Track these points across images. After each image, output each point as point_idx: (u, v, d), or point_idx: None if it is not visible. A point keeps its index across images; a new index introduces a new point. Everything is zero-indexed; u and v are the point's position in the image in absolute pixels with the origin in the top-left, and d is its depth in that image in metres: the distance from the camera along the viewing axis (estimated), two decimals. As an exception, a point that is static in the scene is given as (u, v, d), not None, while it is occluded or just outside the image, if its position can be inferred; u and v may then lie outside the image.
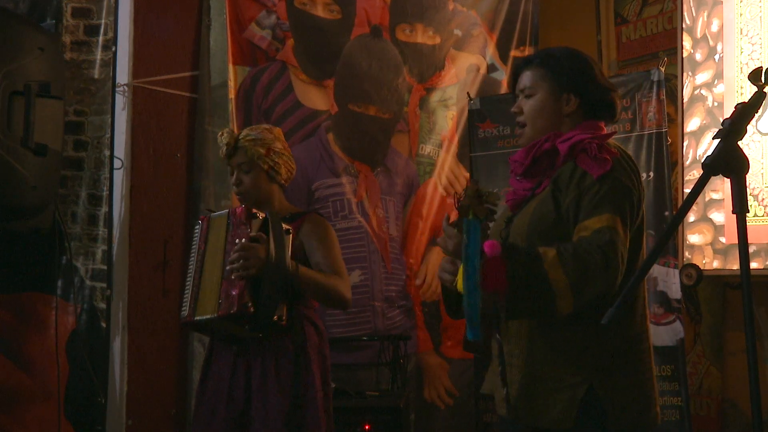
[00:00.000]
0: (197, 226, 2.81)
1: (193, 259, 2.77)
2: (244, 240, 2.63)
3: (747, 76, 1.69)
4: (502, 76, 5.13)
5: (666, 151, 4.12)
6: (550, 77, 2.17)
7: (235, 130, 4.26)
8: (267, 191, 2.88)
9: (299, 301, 2.78)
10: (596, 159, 2.02)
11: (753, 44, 4.26)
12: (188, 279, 2.75)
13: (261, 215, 2.69)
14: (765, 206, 4.12)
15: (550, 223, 2.05)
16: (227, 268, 2.62)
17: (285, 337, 2.73)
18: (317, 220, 2.89)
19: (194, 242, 2.80)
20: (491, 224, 2.01)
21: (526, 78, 2.21)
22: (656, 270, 4.09)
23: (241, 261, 2.60)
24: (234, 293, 2.59)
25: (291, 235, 2.73)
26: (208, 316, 2.65)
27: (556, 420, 2.02)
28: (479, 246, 1.91)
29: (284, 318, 2.65)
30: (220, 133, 2.89)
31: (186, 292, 2.74)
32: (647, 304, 2.16)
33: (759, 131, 4.14)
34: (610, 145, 2.08)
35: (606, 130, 2.19)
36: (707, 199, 4.36)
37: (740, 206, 1.60)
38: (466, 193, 1.94)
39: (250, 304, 2.59)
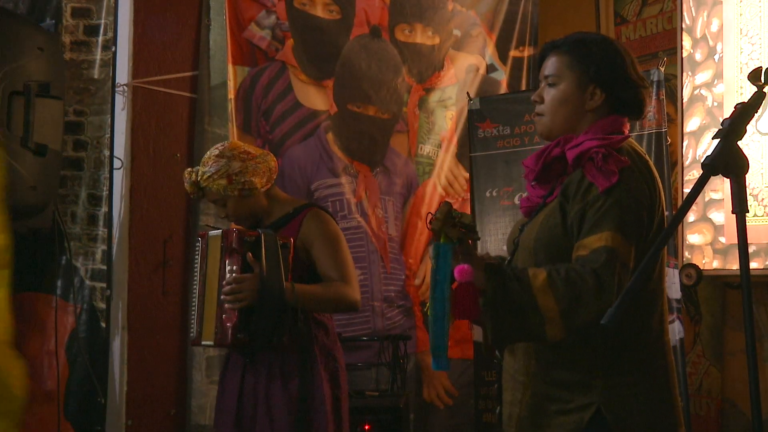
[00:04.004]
0: (198, 243, 2.79)
1: (196, 278, 2.76)
2: (236, 268, 2.62)
3: (747, 76, 1.68)
4: (502, 76, 5.14)
5: (666, 151, 4.12)
6: (577, 67, 2.02)
7: (235, 130, 4.29)
8: (254, 207, 2.82)
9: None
10: (602, 171, 1.90)
11: (753, 44, 4.26)
12: (193, 298, 2.76)
13: (253, 237, 2.64)
14: (765, 206, 4.12)
15: (556, 236, 1.94)
16: (221, 297, 2.62)
17: (291, 343, 2.72)
18: (317, 216, 2.82)
19: (196, 260, 2.78)
20: (475, 242, 1.92)
21: (552, 64, 2.05)
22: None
23: (232, 294, 2.59)
24: (228, 324, 2.60)
25: (290, 249, 2.68)
26: (209, 343, 2.69)
27: None
28: (449, 272, 1.83)
29: (284, 338, 2.65)
30: (185, 176, 2.81)
31: (193, 312, 2.75)
32: (666, 319, 2.03)
33: (759, 131, 4.14)
34: (622, 150, 1.96)
35: (628, 126, 2.06)
36: (707, 199, 4.36)
37: (740, 206, 1.59)
38: (436, 216, 1.86)
39: (241, 336, 2.61)
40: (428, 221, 1.87)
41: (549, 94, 2.05)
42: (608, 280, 1.82)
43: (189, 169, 2.82)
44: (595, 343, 1.92)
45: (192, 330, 2.75)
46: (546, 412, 1.97)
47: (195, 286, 2.76)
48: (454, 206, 1.92)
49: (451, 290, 1.84)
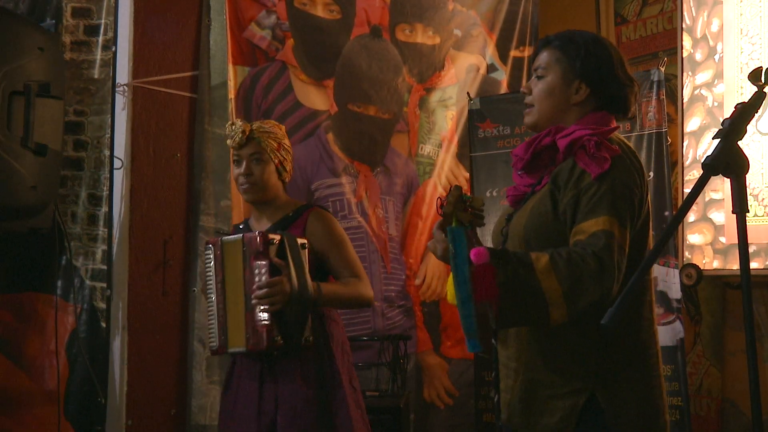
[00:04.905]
0: (209, 250, 2.75)
1: (212, 286, 2.72)
2: (264, 271, 2.61)
3: (747, 76, 1.68)
4: (502, 76, 5.14)
5: (666, 151, 4.12)
6: (564, 61, 2.09)
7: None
8: (274, 185, 2.85)
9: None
10: (594, 157, 1.95)
11: (753, 44, 4.26)
12: (211, 307, 2.72)
13: (277, 239, 2.65)
14: (765, 206, 4.12)
15: (547, 223, 1.99)
16: (252, 302, 2.61)
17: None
18: (322, 216, 2.85)
19: (209, 267, 2.74)
20: (480, 228, 1.95)
21: (542, 58, 2.13)
22: (656, 270, 4.08)
23: (266, 298, 2.59)
24: (261, 328, 2.60)
25: (307, 250, 2.71)
26: (240, 349, 2.67)
27: (555, 429, 1.96)
28: (467, 254, 1.84)
29: (311, 338, 2.67)
30: (231, 122, 2.85)
31: (212, 321, 2.72)
32: (654, 309, 2.08)
33: (759, 131, 4.14)
34: (612, 141, 2.00)
35: (615, 124, 2.10)
36: (707, 199, 4.36)
37: (740, 206, 1.60)
38: (448, 199, 1.87)
39: (278, 338, 2.61)
40: (439, 205, 1.89)
41: (537, 86, 2.12)
42: (608, 261, 1.86)
43: (241, 119, 2.91)
44: (590, 330, 1.94)
45: (212, 340, 2.71)
46: (538, 397, 2.00)
47: (211, 295, 2.72)
48: (438, 213, 1.93)
49: (470, 272, 1.84)
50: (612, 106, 2.10)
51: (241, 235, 2.70)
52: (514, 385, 2.05)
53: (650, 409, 1.99)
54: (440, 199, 1.90)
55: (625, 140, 2.08)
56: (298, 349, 2.66)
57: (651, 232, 2.07)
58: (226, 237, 2.76)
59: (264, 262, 2.62)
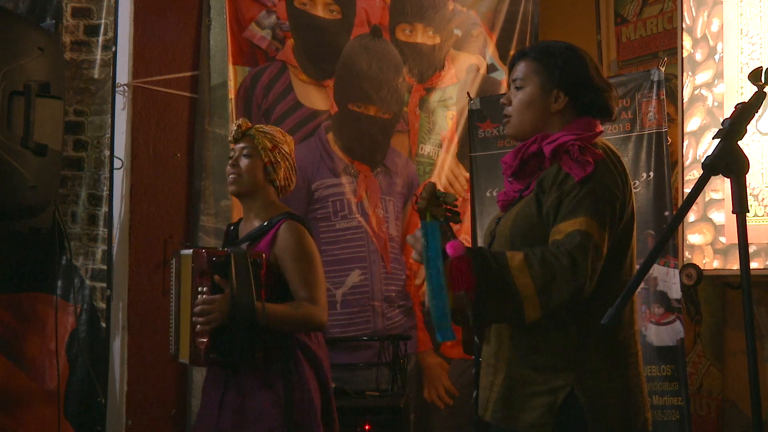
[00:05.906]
0: (173, 260, 2.81)
1: (173, 295, 2.79)
2: (206, 289, 2.64)
3: (747, 76, 1.69)
4: (502, 76, 5.14)
5: (666, 151, 4.12)
6: (541, 72, 2.14)
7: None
8: (260, 184, 2.84)
9: None
10: (578, 161, 2.00)
11: (753, 44, 4.26)
12: (170, 315, 2.80)
13: (222, 257, 2.65)
14: (765, 206, 4.12)
15: (532, 225, 2.04)
16: (193, 318, 2.64)
17: (274, 347, 2.73)
18: (292, 230, 2.79)
19: (171, 277, 2.81)
20: (456, 224, 2.00)
21: (520, 69, 2.19)
22: (656, 270, 4.08)
23: (202, 315, 2.61)
24: (201, 345, 2.64)
25: (263, 265, 2.69)
26: (185, 361, 2.73)
27: (535, 425, 2.00)
28: (440, 247, 1.89)
29: (257, 352, 2.66)
30: (235, 122, 2.91)
31: (171, 328, 2.79)
32: (636, 309, 2.13)
33: (759, 131, 4.14)
34: (596, 145, 2.06)
35: (601, 128, 2.15)
36: (707, 199, 4.36)
37: (740, 206, 1.60)
38: (421, 195, 1.93)
39: (213, 356, 2.64)
40: (414, 202, 1.95)
41: (516, 97, 2.18)
42: (582, 260, 1.90)
43: (245, 118, 2.95)
44: (570, 328, 2.00)
45: (170, 345, 2.79)
46: (519, 395, 2.04)
47: (171, 303, 2.79)
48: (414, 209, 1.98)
49: (444, 265, 1.90)
50: (593, 111, 2.15)
51: (192, 250, 2.71)
52: (495, 381, 2.10)
53: (629, 407, 2.03)
54: (415, 195, 1.95)
55: (610, 144, 2.13)
56: (246, 364, 2.69)
57: (635, 233, 2.11)
58: (183, 251, 2.77)
59: (206, 280, 2.64)
